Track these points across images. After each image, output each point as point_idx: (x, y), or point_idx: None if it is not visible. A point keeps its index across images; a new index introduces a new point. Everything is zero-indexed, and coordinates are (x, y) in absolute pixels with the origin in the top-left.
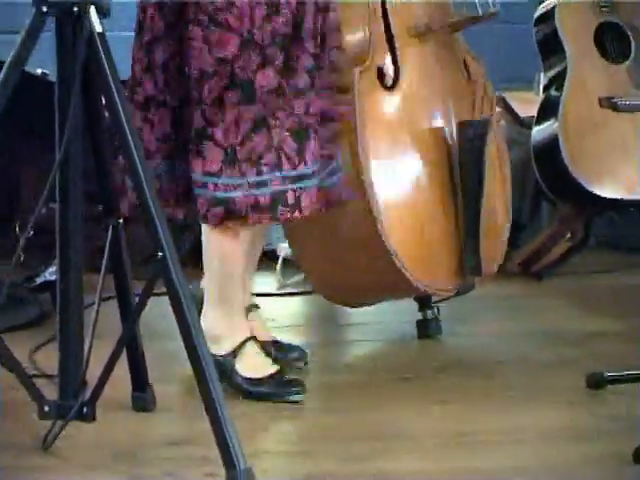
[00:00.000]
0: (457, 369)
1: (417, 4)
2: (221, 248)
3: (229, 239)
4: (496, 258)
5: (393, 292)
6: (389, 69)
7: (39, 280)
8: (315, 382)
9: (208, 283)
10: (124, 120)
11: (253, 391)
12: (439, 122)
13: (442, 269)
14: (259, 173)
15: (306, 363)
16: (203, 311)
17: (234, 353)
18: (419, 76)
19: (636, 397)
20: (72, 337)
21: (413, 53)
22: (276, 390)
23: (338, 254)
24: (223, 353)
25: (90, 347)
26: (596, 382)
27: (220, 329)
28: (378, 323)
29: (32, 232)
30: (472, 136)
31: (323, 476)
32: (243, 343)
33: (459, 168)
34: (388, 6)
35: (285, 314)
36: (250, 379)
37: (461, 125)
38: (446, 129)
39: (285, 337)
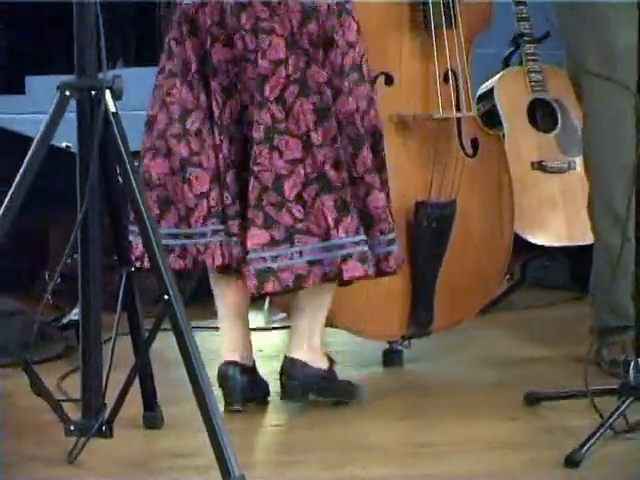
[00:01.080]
0: (416, 390)
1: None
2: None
3: None
4: (462, 312)
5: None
6: None
7: (65, 319)
8: (281, 402)
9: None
10: (134, 185)
11: None
12: (413, 195)
13: (389, 323)
14: None
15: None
16: None
17: None
18: (397, 149)
19: (566, 411)
20: (92, 367)
21: (393, 130)
22: None
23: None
24: None
25: (108, 375)
26: (532, 399)
27: None
28: (351, 352)
29: (59, 279)
30: (437, 219)
31: None
32: None
33: (420, 242)
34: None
35: (271, 345)
36: None
37: (424, 206)
38: (414, 202)
39: (272, 364)
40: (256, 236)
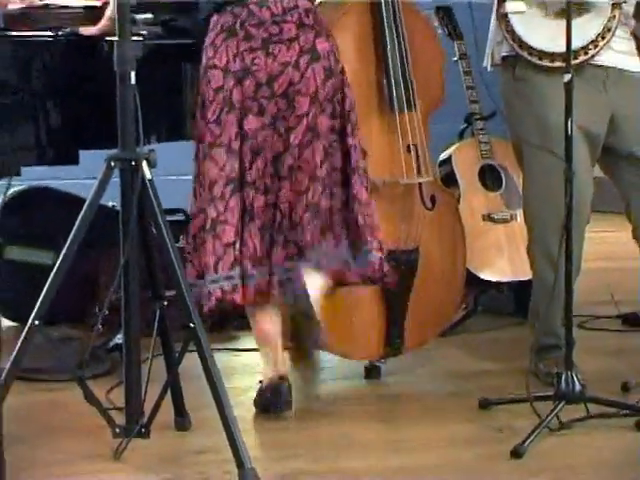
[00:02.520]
0: (391, 398)
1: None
2: None
3: None
4: (426, 335)
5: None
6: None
7: (111, 343)
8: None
9: None
10: (166, 236)
11: None
12: (386, 243)
13: (369, 346)
14: None
15: None
16: None
17: None
18: (377, 207)
19: (512, 414)
20: (133, 381)
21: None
22: None
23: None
24: None
25: (146, 388)
26: (485, 404)
27: None
28: (337, 367)
29: (107, 311)
30: (404, 263)
31: (302, 472)
32: None
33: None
34: None
35: None
36: None
37: (395, 253)
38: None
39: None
40: (278, 255)
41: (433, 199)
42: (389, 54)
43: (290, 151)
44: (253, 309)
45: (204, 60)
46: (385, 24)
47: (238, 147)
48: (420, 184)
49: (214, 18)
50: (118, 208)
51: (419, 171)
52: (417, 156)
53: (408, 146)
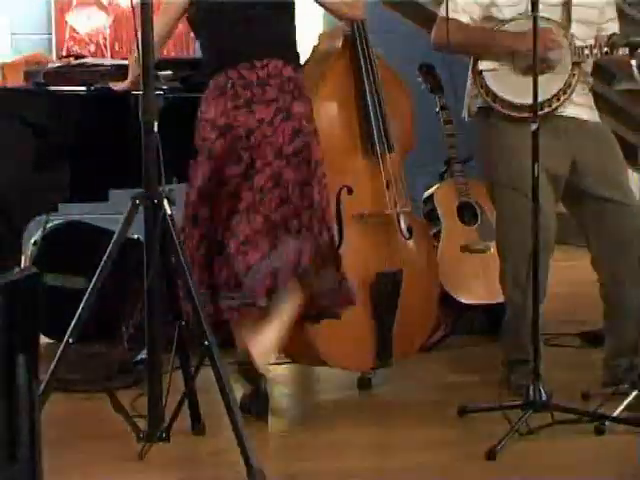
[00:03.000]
0: (381, 406)
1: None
2: None
3: None
4: (413, 343)
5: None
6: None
7: (137, 358)
8: (291, 413)
9: None
10: (184, 264)
11: None
12: (373, 268)
13: (362, 359)
14: None
15: None
16: None
17: None
18: (359, 238)
19: (487, 420)
20: (155, 392)
21: (355, 225)
22: None
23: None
24: None
25: (166, 398)
26: (463, 411)
27: None
28: (332, 379)
29: (132, 330)
30: (390, 283)
31: (305, 472)
32: None
33: (381, 300)
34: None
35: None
36: None
37: (382, 275)
38: (374, 273)
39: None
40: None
41: (410, 229)
42: (370, 108)
43: (252, 192)
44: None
45: (198, 113)
46: (365, 83)
47: (210, 190)
48: (398, 217)
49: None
50: (142, 240)
51: (396, 204)
52: (396, 192)
53: (388, 181)
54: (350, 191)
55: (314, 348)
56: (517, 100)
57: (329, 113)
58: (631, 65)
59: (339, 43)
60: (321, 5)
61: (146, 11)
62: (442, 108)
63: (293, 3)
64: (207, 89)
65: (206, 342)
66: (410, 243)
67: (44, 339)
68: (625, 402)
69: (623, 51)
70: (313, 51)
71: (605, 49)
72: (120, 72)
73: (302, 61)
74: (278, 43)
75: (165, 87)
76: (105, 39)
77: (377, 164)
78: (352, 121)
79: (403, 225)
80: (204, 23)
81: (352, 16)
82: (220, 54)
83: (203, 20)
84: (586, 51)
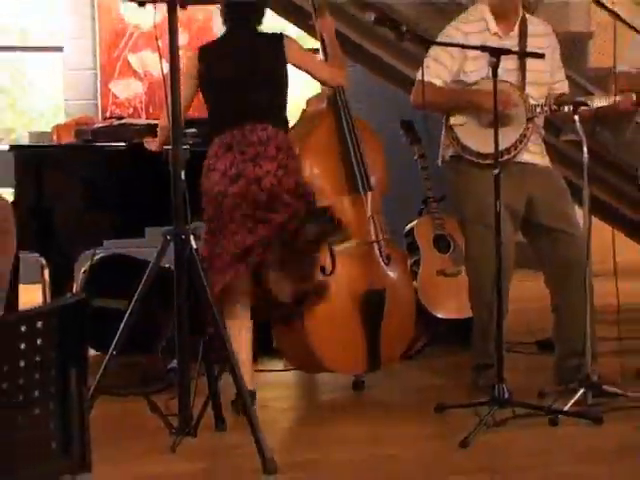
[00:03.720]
0: (373, 404)
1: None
2: None
3: None
4: (397, 350)
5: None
6: (327, 263)
7: (169, 366)
8: (297, 412)
9: None
10: (207, 289)
11: None
12: (361, 287)
13: (356, 364)
14: None
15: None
16: None
17: None
18: (349, 262)
19: (459, 415)
20: (185, 395)
21: (348, 253)
22: None
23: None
24: None
25: (193, 399)
26: (440, 408)
27: None
28: (333, 382)
29: (165, 343)
30: (376, 299)
31: (310, 461)
32: None
33: (370, 313)
34: None
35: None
36: None
37: (369, 292)
38: (362, 291)
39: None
40: None
41: (389, 257)
42: (352, 156)
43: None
44: None
45: (206, 164)
46: (347, 137)
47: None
48: (379, 247)
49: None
50: (173, 268)
51: (379, 233)
52: (377, 224)
53: (371, 216)
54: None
55: (317, 357)
56: (482, 150)
57: (319, 162)
58: (575, 120)
59: (324, 105)
60: (311, 75)
61: (174, 80)
62: (420, 156)
63: (286, 76)
64: (212, 144)
65: (226, 352)
66: (389, 268)
67: (92, 352)
68: (574, 398)
69: (568, 108)
70: (302, 113)
71: (554, 107)
72: (153, 130)
73: (292, 122)
74: (272, 110)
75: (190, 142)
76: (141, 103)
77: (361, 201)
78: (338, 168)
79: (383, 255)
80: (210, 92)
81: (336, 84)
82: (224, 117)
83: (209, 89)
84: (538, 109)
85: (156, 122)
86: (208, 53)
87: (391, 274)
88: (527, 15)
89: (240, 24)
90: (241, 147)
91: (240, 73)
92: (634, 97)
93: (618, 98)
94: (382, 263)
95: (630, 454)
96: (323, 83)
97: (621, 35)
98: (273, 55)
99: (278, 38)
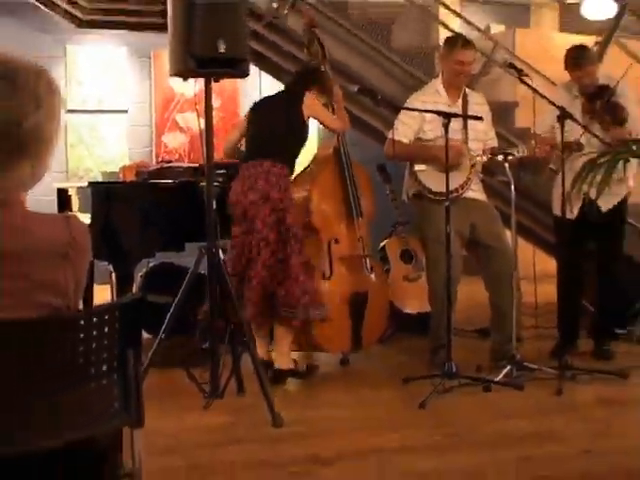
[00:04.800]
0: (355, 376)
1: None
2: None
3: None
4: (374, 336)
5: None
6: (327, 270)
7: (203, 346)
8: (299, 381)
9: None
10: (231, 288)
11: None
12: (350, 289)
13: (341, 341)
14: None
15: None
16: None
17: None
18: (343, 270)
19: (420, 384)
20: (215, 367)
21: (340, 262)
22: None
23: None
24: None
25: (221, 371)
26: (406, 380)
27: None
28: (325, 359)
29: (201, 329)
30: (360, 299)
31: (307, 417)
32: None
33: (355, 309)
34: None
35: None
36: None
37: (354, 295)
38: (351, 293)
39: None
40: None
41: (372, 268)
42: (349, 190)
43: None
44: None
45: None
46: (346, 176)
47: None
48: (365, 260)
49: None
50: (206, 274)
51: (365, 249)
52: (364, 242)
53: (360, 237)
54: (337, 241)
55: (314, 340)
56: (437, 189)
57: (324, 195)
58: (504, 166)
59: (330, 151)
60: (320, 123)
61: (209, 134)
62: (391, 192)
63: (305, 129)
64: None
65: (245, 339)
66: (372, 276)
67: (145, 335)
68: (503, 372)
69: (499, 157)
70: (314, 157)
71: (489, 156)
72: (192, 171)
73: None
74: (278, 149)
75: (220, 180)
76: (185, 151)
77: (353, 225)
78: (338, 199)
79: (368, 267)
80: (247, 136)
81: (340, 129)
82: (247, 154)
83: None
84: (478, 158)
85: (195, 165)
86: (251, 112)
87: (373, 281)
88: (468, 89)
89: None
90: (244, 178)
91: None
92: (547, 149)
93: (535, 150)
94: (367, 272)
95: (544, 413)
96: (333, 131)
97: (539, 103)
98: (293, 110)
99: (299, 96)
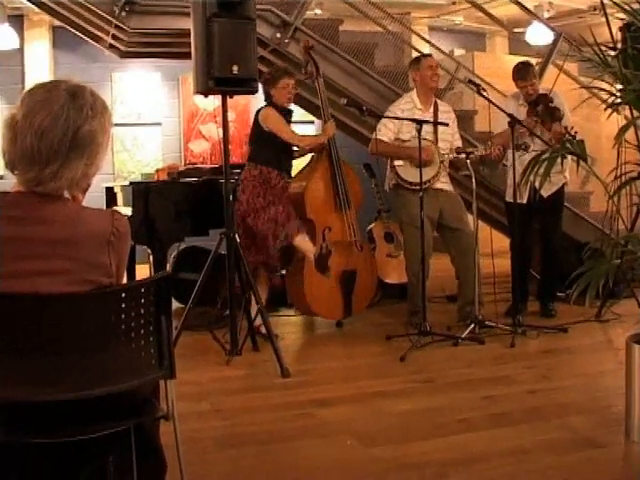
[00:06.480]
0: (348, 335)
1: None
2: None
3: None
4: (363, 305)
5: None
6: (325, 263)
7: (224, 314)
8: (302, 339)
9: None
10: (248, 268)
11: None
12: (341, 267)
13: (335, 310)
14: None
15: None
16: None
17: None
18: (335, 253)
19: (401, 341)
20: (234, 330)
21: (334, 247)
22: None
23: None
24: None
25: (239, 333)
26: (389, 337)
27: None
28: (324, 322)
29: (222, 299)
30: (349, 275)
31: (308, 369)
32: None
33: (346, 283)
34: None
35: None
36: None
37: (345, 272)
38: (342, 270)
39: (291, 327)
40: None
41: (362, 247)
42: (338, 185)
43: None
44: None
45: None
46: (335, 172)
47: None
48: (356, 242)
49: None
50: (225, 254)
51: (355, 234)
52: (353, 229)
53: (350, 223)
54: (330, 229)
55: (311, 307)
56: (413, 180)
57: (318, 188)
58: (466, 163)
59: (323, 153)
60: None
61: (225, 141)
62: (375, 184)
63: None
64: None
65: (258, 304)
66: (361, 255)
67: (176, 304)
68: (468, 329)
69: (462, 156)
70: (311, 158)
71: (455, 155)
72: (214, 170)
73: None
74: (269, 157)
75: (236, 177)
76: (207, 155)
77: (342, 215)
78: (330, 192)
79: (358, 246)
80: None
81: (327, 137)
82: None
83: None
84: (445, 156)
85: (215, 166)
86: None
87: (362, 259)
88: (438, 100)
89: None
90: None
91: None
92: (501, 149)
93: (490, 150)
94: (357, 252)
95: (500, 361)
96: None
97: (493, 112)
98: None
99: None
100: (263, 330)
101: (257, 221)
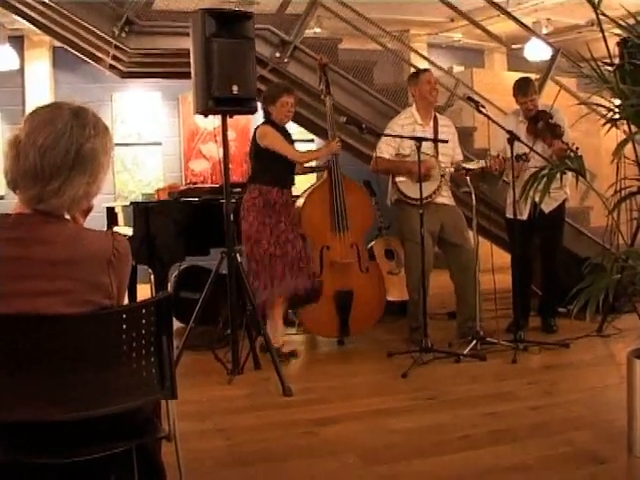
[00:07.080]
0: (349, 353)
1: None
2: None
3: None
4: (362, 326)
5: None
6: (317, 270)
7: (226, 333)
8: (304, 357)
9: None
10: (247, 284)
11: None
12: (335, 287)
13: (330, 329)
14: None
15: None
16: None
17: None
18: (330, 273)
19: (402, 358)
20: (236, 349)
21: (330, 266)
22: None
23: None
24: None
25: (241, 352)
26: (390, 354)
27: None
28: (326, 340)
29: (224, 318)
30: (344, 296)
31: (310, 387)
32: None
33: (341, 304)
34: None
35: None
36: None
37: (339, 292)
38: (335, 291)
39: (294, 345)
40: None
41: (368, 268)
42: (338, 207)
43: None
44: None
45: None
46: (334, 192)
47: None
48: (359, 263)
49: None
50: (226, 274)
51: (358, 255)
52: (358, 250)
53: (352, 244)
54: (328, 248)
55: (306, 324)
56: (414, 196)
57: (318, 209)
58: (466, 179)
59: (325, 174)
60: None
61: (226, 160)
62: (376, 202)
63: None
64: None
65: (261, 332)
66: (363, 276)
67: (178, 324)
68: (469, 346)
69: (463, 171)
70: (316, 179)
71: (454, 169)
72: (215, 190)
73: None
74: (268, 175)
75: (236, 197)
76: (207, 174)
77: (340, 235)
78: (327, 212)
79: (363, 267)
80: None
81: (332, 154)
82: None
83: None
84: (446, 170)
85: (216, 185)
86: None
87: (363, 281)
88: (438, 115)
89: None
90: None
91: None
92: (501, 157)
93: (491, 162)
94: (358, 273)
95: (502, 377)
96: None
97: (493, 128)
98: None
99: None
100: (284, 349)
101: (275, 247)
